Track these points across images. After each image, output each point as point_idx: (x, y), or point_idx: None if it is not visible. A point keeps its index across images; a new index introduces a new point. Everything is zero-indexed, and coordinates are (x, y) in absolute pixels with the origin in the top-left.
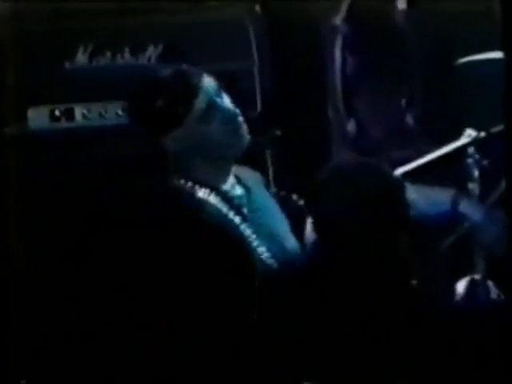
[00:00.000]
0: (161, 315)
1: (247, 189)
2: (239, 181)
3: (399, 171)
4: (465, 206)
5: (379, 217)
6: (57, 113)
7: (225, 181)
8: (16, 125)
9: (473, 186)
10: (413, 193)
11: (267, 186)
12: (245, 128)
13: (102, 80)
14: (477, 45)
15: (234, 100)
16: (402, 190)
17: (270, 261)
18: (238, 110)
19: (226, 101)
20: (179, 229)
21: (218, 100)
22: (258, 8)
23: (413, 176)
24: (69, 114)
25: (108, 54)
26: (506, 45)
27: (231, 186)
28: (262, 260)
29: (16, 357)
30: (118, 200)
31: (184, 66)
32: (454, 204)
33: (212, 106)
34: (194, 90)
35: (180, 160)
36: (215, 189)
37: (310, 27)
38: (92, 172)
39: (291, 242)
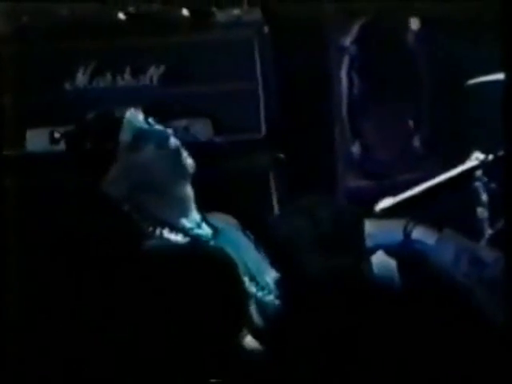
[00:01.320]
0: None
1: (215, 229)
2: (206, 220)
3: (405, 195)
4: (417, 233)
5: (337, 248)
6: (56, 135)
7: (186, 216)
8: (14, 147)
9: (481, 210)
10: (367, 225)
11: (242, 230)
12: (182, 150)
13: (102, 101)
14: (486, 66)
15: (236, 122)
16: (359, 222)
17: (252, 290)
18: (169, 132)
19: (156, 127)
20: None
21: (146, 127)
22: (264, 29)
23: (419, 199)
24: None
25: (108, 75)
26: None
27: (196, 223)
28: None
29: None
30: (114, 228)
31: (105, 108)
32: (407, 232)
33: (140, 135)
34: (116, 124)
35: (131, 204)
36: (178, 227)
37: (318, 48)
38: (91, 196)
39: (270, 275)
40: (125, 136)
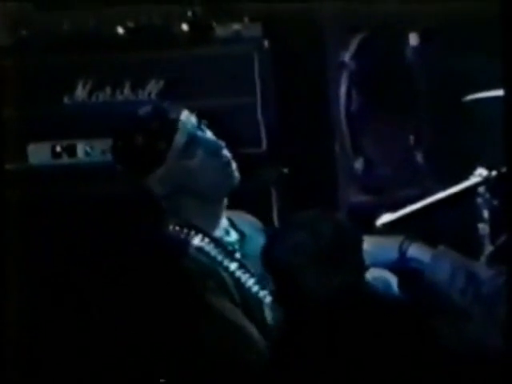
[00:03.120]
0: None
1: (241, 234)
2: (233, 225)
3: (406, 210)
4: (413, 251)
5: (336, 263)
6: (58, 149)
7: (218, 225)
8: (16, 161)
9: (482, 226)
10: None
11: (265, 232)
12: (232, 163)
13: (101, 116)
14: (489, 81)
15: (236, 136)
16: (358, 239)
17: (272, 304)
18: (222, 143)
19: (209, 134)
20: (171, 276)
21: (199, 134)
22: (264, 44)
23: (421, 214)
24: (70, 151)
25: (108, 89)
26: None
27: (224, 230)
28: (262, 304)
29: None
30: (116, 242)
31: (162, 103)
32: (402, 250)
33: (193, 140)
34: (172, 125)
35: (170, 203)
36: (208, 234)
37: (317, 63)
38: (93, 211)
39: None
40: (179, 139)
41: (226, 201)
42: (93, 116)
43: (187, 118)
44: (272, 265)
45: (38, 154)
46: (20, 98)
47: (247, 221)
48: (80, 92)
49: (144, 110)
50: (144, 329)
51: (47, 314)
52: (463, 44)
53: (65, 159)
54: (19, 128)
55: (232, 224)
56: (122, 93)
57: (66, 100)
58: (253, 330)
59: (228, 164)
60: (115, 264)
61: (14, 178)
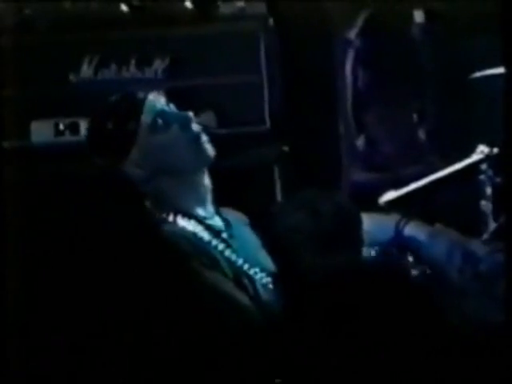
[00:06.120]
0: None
1: (227, 222)
2: (219, 214)
3: (410, 187)
4: (409, 229)
5: (334, 244)
6: (61, 126)
7: (203, 208)
8: (19, 138)
9: (485, 203)
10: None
11: (252, 226)
12: (203, 135)
13: (107, 93)
14: (492, 59)
15: (240, 114)
16: (358, 220)
17: (265, 281)
18: (191, 116)
19: (177, 110)
20: (162, 259)
21: (167, 109)
22: (269, 21)
23: (423, 192)
24: (73, 128)
25: (113, 66)
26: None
27: (211, 214)
28: (254, 281)
29: None
30: (120, 220)
31: (127, 91)
32: (399, 229)
33: (161, 116)
34: (138, 105)
35: (150, 187)
36: (194, 216)
37: (323, 41)
38: (96, 187)
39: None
40: (147, 117)
41: (207, 181)
42: (98, 94)
43: (154, 97)
44: (272, 243)
45: (41, 131)
46: (25, 77)
47: (233, 214)
48: (86, 70)
49: (110, 99)
50: (140, 309)
51: (46, 294)
52: (468, 22)
53: (67, 137)
54: (23, 105)
55: (217, 212)
56: (127, 70)
57: (71, 78)
58: (245, 300)
59: (198, 136)
60: (116, 242)
61: (16, 155)
